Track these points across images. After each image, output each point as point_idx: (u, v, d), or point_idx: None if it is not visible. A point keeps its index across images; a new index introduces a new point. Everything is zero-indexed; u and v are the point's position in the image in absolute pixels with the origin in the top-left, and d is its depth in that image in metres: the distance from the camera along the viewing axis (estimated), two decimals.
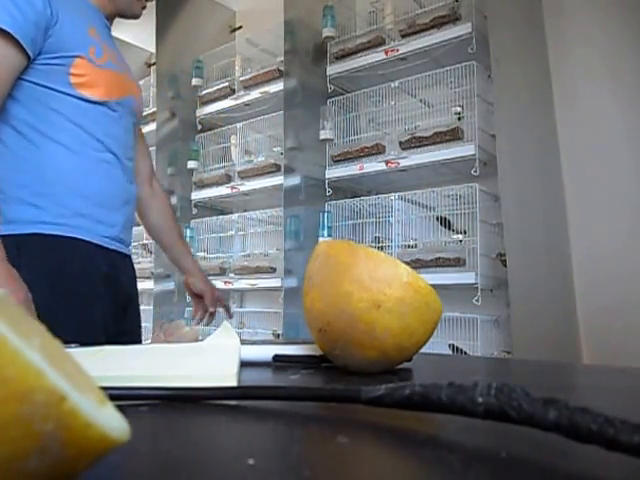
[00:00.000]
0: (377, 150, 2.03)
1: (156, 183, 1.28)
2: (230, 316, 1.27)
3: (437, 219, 1.82)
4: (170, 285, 2.61)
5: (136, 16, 1.12)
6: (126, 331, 1.07)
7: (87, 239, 0.98)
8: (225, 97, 2.58)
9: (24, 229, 0.93)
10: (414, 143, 1.91)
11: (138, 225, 1.27)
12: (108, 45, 1.04)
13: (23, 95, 0.94)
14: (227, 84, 2.58)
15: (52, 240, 0.94)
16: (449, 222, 1.80)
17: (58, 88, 0.95)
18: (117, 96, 1.03)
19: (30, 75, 0.93)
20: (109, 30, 1.10)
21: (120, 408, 0.16)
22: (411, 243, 1.94)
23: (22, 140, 0.94)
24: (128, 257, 1.12)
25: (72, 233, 0.96)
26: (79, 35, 0.97)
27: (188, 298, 2.59)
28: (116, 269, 1.05)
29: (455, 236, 1.84)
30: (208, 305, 1.25)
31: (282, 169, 2.20)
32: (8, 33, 0.87)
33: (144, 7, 1.12)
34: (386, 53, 2.01)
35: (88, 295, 0.97)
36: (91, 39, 0.99)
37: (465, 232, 1.81)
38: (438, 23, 1.90)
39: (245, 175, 2.44)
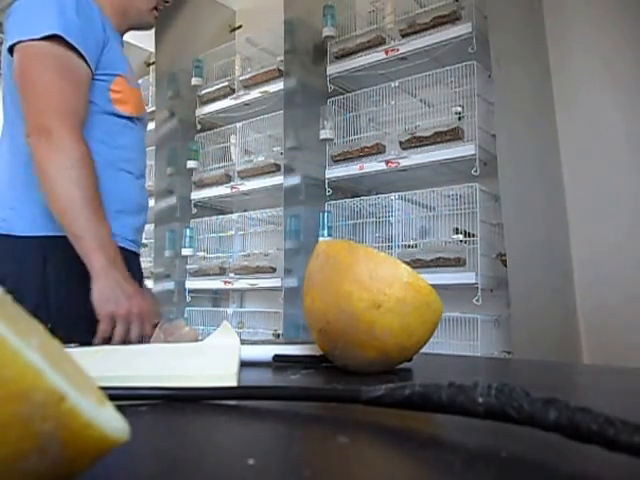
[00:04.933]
0: (377, 150, 2.03)
1: None
2: None
3: (456, 231, 1.83)
4: (170, 285, 2.61)
5: (150, 26, 1.17)
6: None
7: (118, 243, 1.00)
8: (225, 97, 2.58)
9: (51, 231, 0.96)
10: (414, 143, 1.91)
11: None
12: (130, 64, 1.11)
13: None
14: (227, 84, 2.58)
15: None
16: (465, 231, 1.80)
17: (97, 102, 1.01)
18: (140, 112, 1.10)
19: None
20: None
21: (120, 408, 0.16)
22: (411, 243, 1.94)
23: None
24: (137, 256, 1.15)
25: None
26: (119, 55, 1.05)
27: (188, 298, 2.60)
28: (129, 269, 1.07)
29: (455, 236, 1.84)
30: None
31: (282, 169, 2.20)
32: (81, 54, 0.94)
33: (156, 17, 1.16)
34: (386, 53, 2.01)
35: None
36: (126, 59, 1.07)
37: (465, 232, 1.81)
38: (438, 23, 1.90)
39: (245, 175, 2.44)
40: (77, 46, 0.92)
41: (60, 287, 0.95)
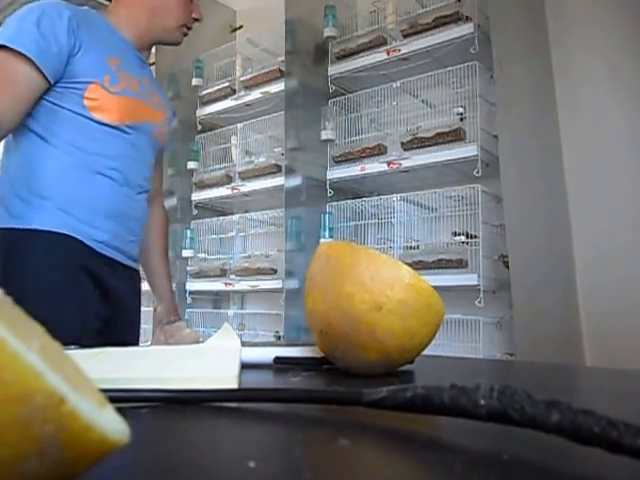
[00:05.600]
0: (379, 151, 2.03)
1: (158, 204, 1.31)
2: None
3: (455, 234, 1.83)
4: None
5: (177, 43, 1.17)
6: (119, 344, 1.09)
7: (78, 237, 1.01)
8: (225, 97, 2.58)
9: (11, 223, 0.98)
10: (416, 144, 1.91)
11: None
12: (130, 74, 1.09)
13: (36, 111, 1.01)
14: (227, 84, 2.58)
15: (42, 235, 0.99)
16: (467, 232, 1.80)
17: (71, 108, 1.02)
18: (131, 121, 1.08)
19: (47, 95, 1.01)
20: (141, 60, 1.14)
21: (120, 410, 0.16)
22: (413, 244, 1.94)
23: (31, 146, 1.01)
24: (128, 269, 1.13)
25: (63, 229, 0.99)
26: (96, 64, 1.04)
27: (189, 299, 2.60)
28: (105, 273, 1.06)
29: (457, 238, 1.84)
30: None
31: (283, 170, 2.20)
32: (32, 60, 0.95)
33: (186, 34, 1.16)
34: (388, 53, 2.01)
35: (75, 289, 1.01)
36: (108, 68, 1.05)
37: (467, 233, 1.80)
38: (440, 23, 1.90)
39: (246, 176, 2.44)
40: (27, 53, 0.94)
41: (20, 277, 0.97)
